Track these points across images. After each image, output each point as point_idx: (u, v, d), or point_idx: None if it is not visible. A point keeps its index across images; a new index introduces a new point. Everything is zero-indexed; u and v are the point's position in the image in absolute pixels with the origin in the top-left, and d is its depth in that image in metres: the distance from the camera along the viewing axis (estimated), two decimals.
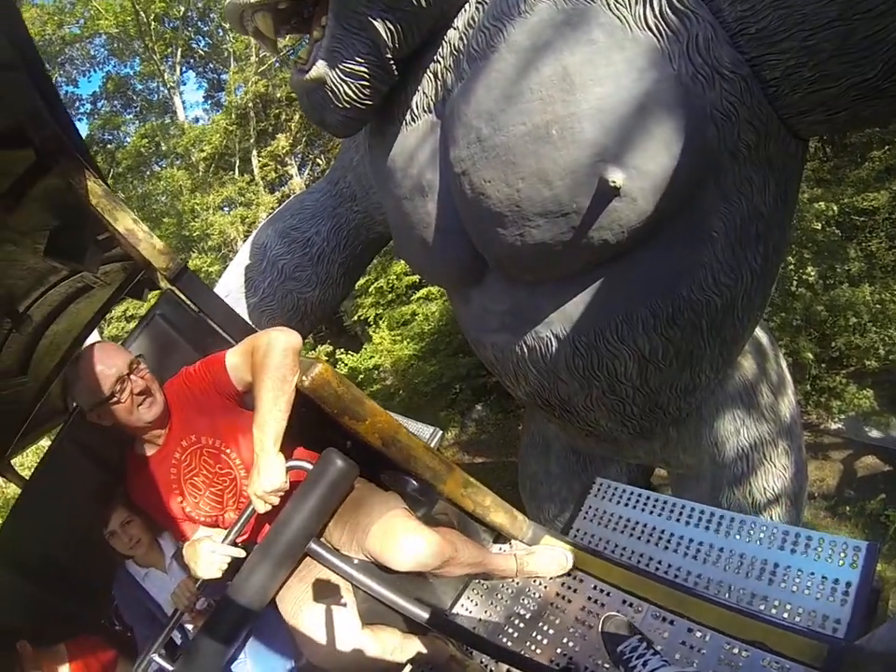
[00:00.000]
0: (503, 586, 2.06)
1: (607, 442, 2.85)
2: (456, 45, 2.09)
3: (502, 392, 7.17)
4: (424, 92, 2.25)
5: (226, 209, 13.88)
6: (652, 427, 2.63)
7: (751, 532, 1.98)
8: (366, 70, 2.02)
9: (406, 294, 9.56)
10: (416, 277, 9.06)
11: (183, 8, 14.36)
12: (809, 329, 5.94)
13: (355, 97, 2.07)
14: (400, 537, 1.59)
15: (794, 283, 5.69)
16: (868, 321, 5.57)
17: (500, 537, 2.10)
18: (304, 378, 1.55)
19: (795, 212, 5.68)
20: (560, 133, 1.79)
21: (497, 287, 2.36)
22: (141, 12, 13.21)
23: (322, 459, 1.59)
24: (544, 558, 1.96)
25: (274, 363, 1.50)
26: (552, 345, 2.27)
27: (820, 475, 5.79)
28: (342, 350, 9.76)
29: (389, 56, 2.01)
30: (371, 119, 2.32)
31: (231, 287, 3.17)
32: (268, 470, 1.48)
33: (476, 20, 2.02)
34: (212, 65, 16.91)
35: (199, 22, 16.05)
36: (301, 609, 1.65)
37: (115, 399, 1.58)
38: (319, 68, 2.01)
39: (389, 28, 1.93)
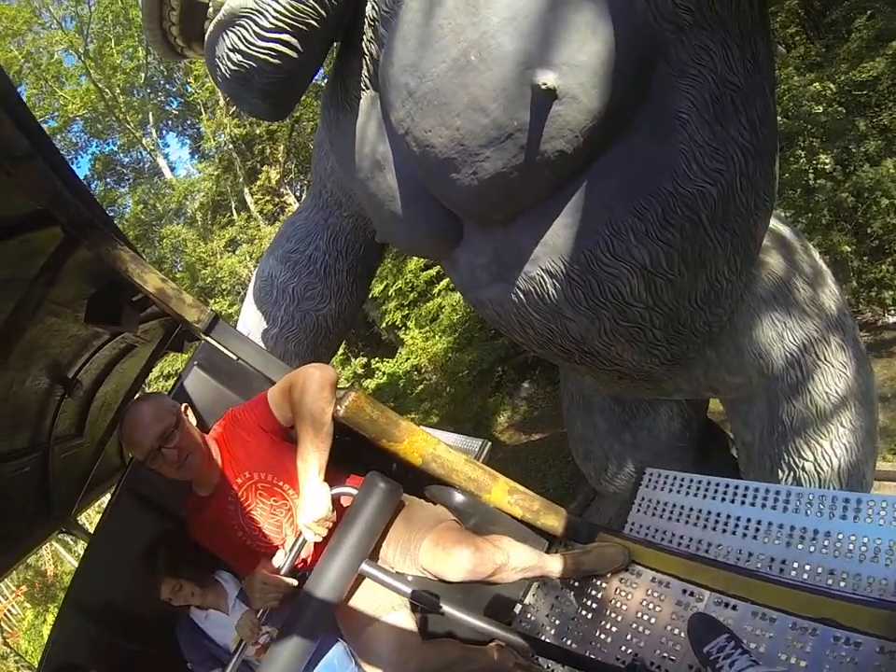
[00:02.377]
0: (562, 588, 2.05)
1: (644, 381, 2.64)
2: (371, 14, 2.03)
3: (546, 364, 7.03)
4: (357, 72, 2.22)
5: (232, 250, 14.32)
6: (685, 352, 2.40)
7: (810, 503, 1.91)
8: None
9: (427, 290, 9.50)
10: (433, 271, 9.08)
11: (144, 75, 14.99)
12: (840, 221, 5.54)
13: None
14: (451, 548, 1.66)
15: (811, 176, 5.31)
16: None
17: (555, 538, 2.08)
18: (339, 408, 1.64)
19: (788, 95, 5.44)
20: (479, 55, 1.68)
21: (476, 240, 2.25)
22: (105, 89, 13.89)
23: (366, 483, 1.66)
24: (600, 555, 1.94)
25: (311, 398, 1.60)
26: (545, 283, 2.11)
27: (890, 373, 5.29)
28: (376, 359, 9.78)
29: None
30: (301, 90, 2.23)
31: (250, 326, 3.18)
32: (313, 501, 1.57)
33: None
34: (188, 121, 17.58)
35: (166, 85, 16.81)
36: (363, 630, 1.70)
37: (159, 454, 1.65)
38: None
39: None
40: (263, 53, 1.88)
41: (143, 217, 16.20)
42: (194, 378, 2.16)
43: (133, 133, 15.24)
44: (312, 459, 1.59)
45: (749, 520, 2.00)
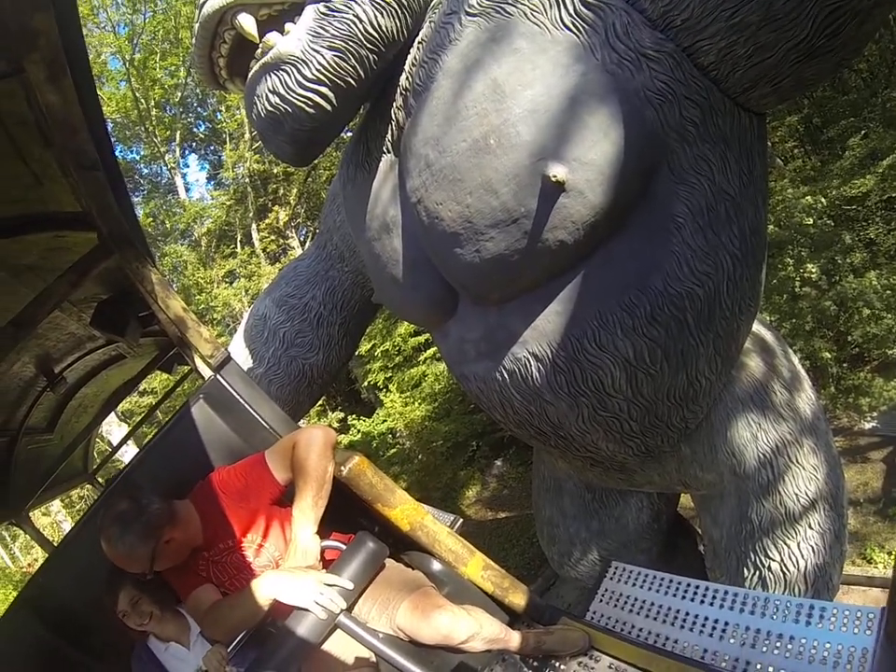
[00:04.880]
0: (522, 666, 2.04)
1: (616, 470, 2.66)
2: (404, 84, 2.17)
3: (521, 445, 6.98)
4: (381, 135, 2.33)
5: (230, 282, 14.32)
6: (659, 446, 2.44)
7: (766, 607, 2.04)
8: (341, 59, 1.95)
9: (413, 355, 9.53)
10: (422, 338, 9.11)
11: (180, 94, 15.30)
12: (822, 328, 5.72)
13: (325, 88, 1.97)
14: (430, 612, 1.71)
15: (797, 283, 5.50)
16: (880, 309, 5.30)
17: (518, 616, 2.11)
18: (343, 468, 1.75)
19: (781, 205, 5.72)
20: (498, 141, 1.79)
21: (470, 316, 2.30)
22: (141, 99, 14.10)
23: (356, 540, 1.72)
24: (562, 637, 1.98)
25: (316, 458, 1.71)
26: (530, 365, 2.16)
27: (863, 479, 5.37)
28: (353, 416, 9.67)
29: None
30: (327, 142, 2.29)
31: (237, 359, 3.21)
32: (304, 550, 1.67)
33: (417, 58, 2.10)
34: (212, 147, 17.89)
35: (198, 108, 17.15)
36: None
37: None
38: (291, 42, 1.93)
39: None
40: (300, 101, 1.96)
41: (150, 229, 16.17)
42: (199, 411, 2.19)
43: (157, 147, 15.42)
44: (309, 512, 1.69)
45: (706, 618, 2.09)
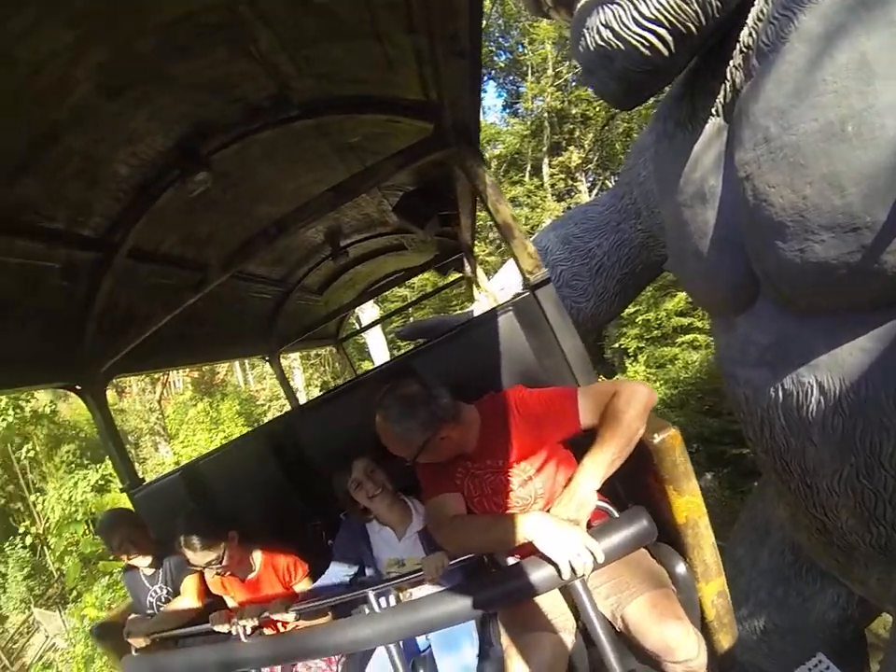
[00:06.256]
0: None
1: (839, 550, 2.23)
2: (745, 41, 1.88)
3: (739, 468, 6.23)
4: (711, 94, 2.08)
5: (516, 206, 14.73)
6: None
7: None
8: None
9: (672, 335, 8.93)
10: (687, 320, 8.40)
11: (485, 22, 15.82)
12: None
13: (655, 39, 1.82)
14: (667, 618, 1.57)
15: None
16: None
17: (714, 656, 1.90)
18: (655, 436, 1.60)
19: None
20: (857, 129, 1.47)
21: (765, 316, 2.03)
22: None
23: (630, 513, 1.61)
24: None
25: (632, 415, 1.59)
26: (811, 394, 1.86)
27: None
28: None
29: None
30: (656, 89, 2.11)
31: (508, 283, 3.28)
32: (580, 502, 1.55)
33: (765, 12, 1.80)
34: (511, 78, 18.22)
35: (500, 38, 17.45)
36: (523, 633, 1.68)
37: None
38: None
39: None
40: (635, 39, 1.81)
41: None
42: (504, 322, 2.17)
43: None
44: (601, 468, 1.57)
45: None
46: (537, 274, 2.12)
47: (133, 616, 2.42)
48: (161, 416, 19.08)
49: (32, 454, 17.98)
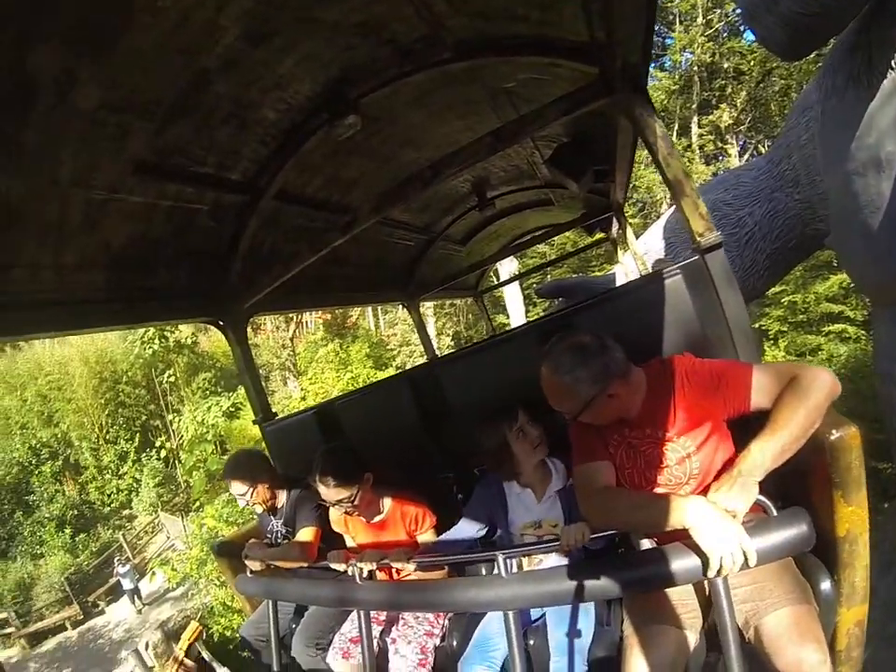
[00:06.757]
0: None
1: None
2: None
3: (876, 485, 5.57)
4: (890, 46, 1.83)
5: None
6: None
7: None
8: None
9: (818, 322, 8.05)
10: (836, 307, 7.53)
11: None
12: None
13: None
14: (807, 641, 1.40)
15: None
16: None
17: None
18: (833, 432, 1.42)
19: None
20: None
21: None
22: None
23: (790, 514, 1.44)
24: None
25: (811, 404, 1.41)
26: None
27: None
28: None
29: None
30: (825, 37, 1.92)
31: (651, 247, 3.22)
32: (741, 491, 1.39)
33: None
34: (657, 27, 16.79)
35: None
36: (648, 623, 1.59)
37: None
38: None
39: None
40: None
41: None
42: (671, 284, 2.02)
43: None
44: (768, 457, 1.40)
45: None
46: (708, 237, 1.95)
47: (253, 541, 2.56)
48: (292, 353, 20.64)
49: (172, 379, 20.51)
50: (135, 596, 15.69)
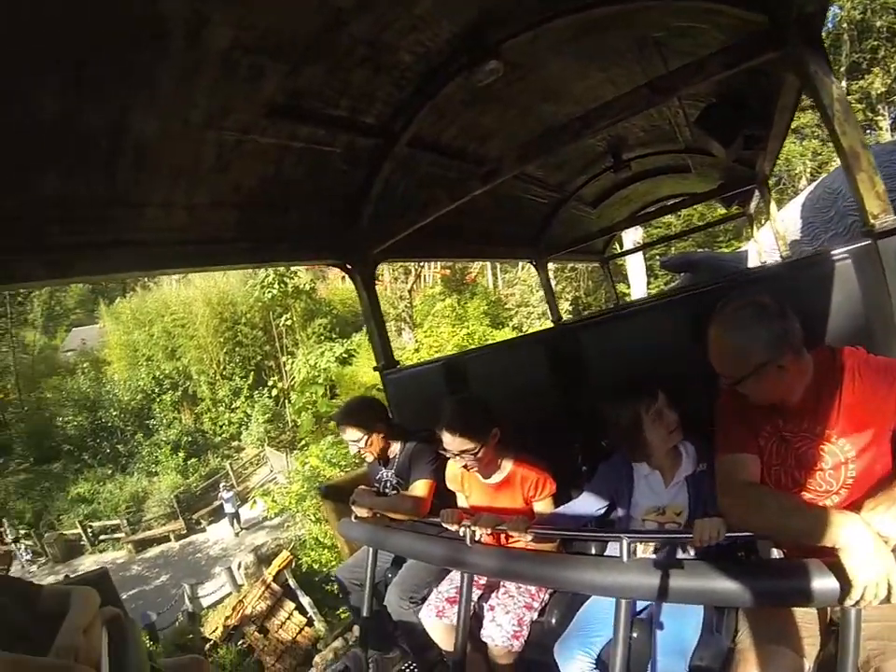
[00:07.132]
0: None
1: None
2: None
3: None
4: None
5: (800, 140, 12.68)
6: None
7: None
8: None
9: None
10: None
11: None
12: None
13: None
14: None
15: None
16: None
17: None
18: None
19: None
20: None
21: None
22: None
23: None
24: None
25: None
26: None
27: None
28: None
29: None
30: None
31: (788, 225, 3.04)
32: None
33: None
34: None
35: None
36: (766, 642, 1.46)
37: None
38: None
39: None
40: None
41: None
42: (841, 269, 1.81)
43: None
44: None
45: None
46: (884, 221, 1.70)
47: (362, 487, 2.52)
48: (409, 305, 21.14)
49: (289, 322, 21.74)
50: (234, 520, 17.00)
